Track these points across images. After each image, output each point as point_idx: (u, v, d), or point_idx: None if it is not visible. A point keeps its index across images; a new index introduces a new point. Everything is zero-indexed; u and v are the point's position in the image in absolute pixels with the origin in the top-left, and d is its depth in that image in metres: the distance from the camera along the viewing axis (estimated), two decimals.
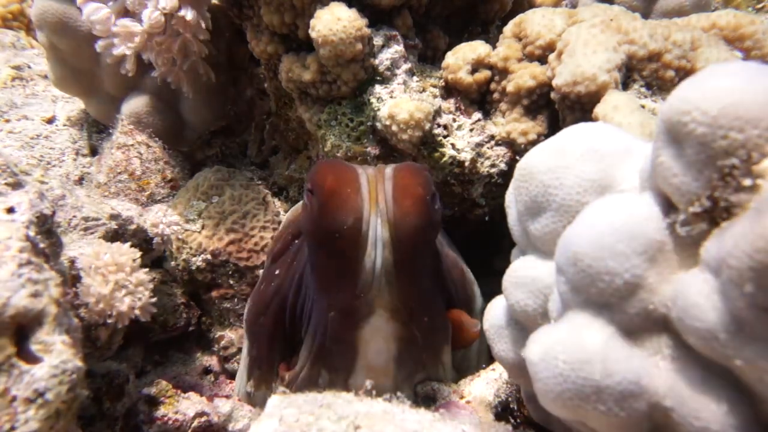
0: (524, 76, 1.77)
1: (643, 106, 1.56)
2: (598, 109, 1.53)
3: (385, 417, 0.90)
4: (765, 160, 0.69)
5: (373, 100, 1.87)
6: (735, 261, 0.67)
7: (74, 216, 1.63)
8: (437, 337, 1.55)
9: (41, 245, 1.11)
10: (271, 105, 2.38)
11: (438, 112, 1.85)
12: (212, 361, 2.12)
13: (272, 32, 1.99)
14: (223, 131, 2.64)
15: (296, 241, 1.70)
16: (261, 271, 1.99)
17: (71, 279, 1.37)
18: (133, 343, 1.86)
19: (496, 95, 1.88)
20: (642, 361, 0.82)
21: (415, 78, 1.92)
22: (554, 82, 1.67)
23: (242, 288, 2.10)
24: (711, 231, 0.75)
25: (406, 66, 1.90)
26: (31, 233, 1.08)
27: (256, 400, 1.71)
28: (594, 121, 1.52)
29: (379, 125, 1.85)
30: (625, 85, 1.64)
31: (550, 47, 1.77)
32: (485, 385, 1.48)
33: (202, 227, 2.10)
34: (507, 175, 1.86)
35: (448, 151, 1.85)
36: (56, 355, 0.98)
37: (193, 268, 2.08)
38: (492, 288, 1.31)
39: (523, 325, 1.09)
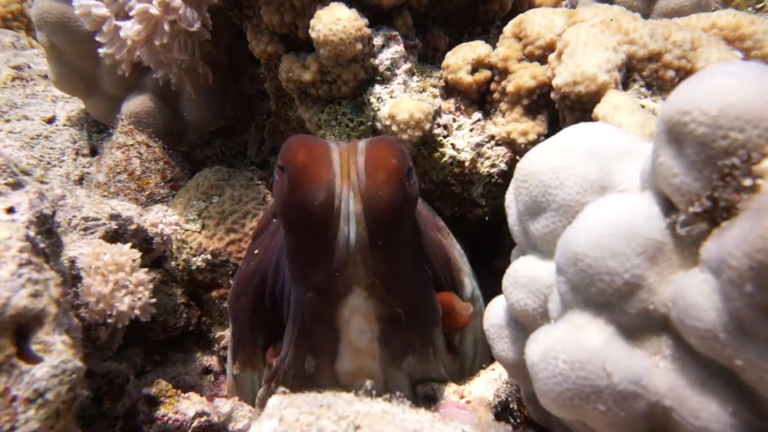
0: (524, 76, 1.77)
1: (643, 106, 1.56)
2: (598, 109, 1.53)
3: (385, 417, 0.90)
4: (765, 160, 0.69)
5: (373, 100, 1.87)
6: (735, 261, 0.67)
7: (74, 216, 1.63)
8: (424, 317, 1.49)
9: (41, 245, 1.11)
10: (271, 105, 2.38)
11: (438, 112, 1.85)
12: (212, 361, 2.12)
13: (272, 32, 1.99)
14: (223, 131, 2.64)
15: (275, 220, 1.67)
16: None
17: (71, 279, 1.36)
18: (133, 343, 1.86)
19: (496, 95, 1.88)
20: (642, 361, 0.82)
21: (415, 78, 1.92)
22: (554, 82, 1.67)
23: None
24: (711, 231, 0.75)
25: (406, 66, 1.90)
26: (31, 233, 1.08)
27: (242, 382, 1.67)
28: (594, 121, 1.52)
29: (379, 125, 1.85)
30: (625, 85, 1.64)
31: (550, 47, 1.77)
32: (485, 385, 1.48)
33: (202, 227, 2.10)
34: (507, 175, 1.86)
35: (448, 151, 1.86)
36: (56, 355, 0.98)
37: (193, 268, 2.08)
38: (492, 288, 1.30)
39: (523, 325, 1.09)
